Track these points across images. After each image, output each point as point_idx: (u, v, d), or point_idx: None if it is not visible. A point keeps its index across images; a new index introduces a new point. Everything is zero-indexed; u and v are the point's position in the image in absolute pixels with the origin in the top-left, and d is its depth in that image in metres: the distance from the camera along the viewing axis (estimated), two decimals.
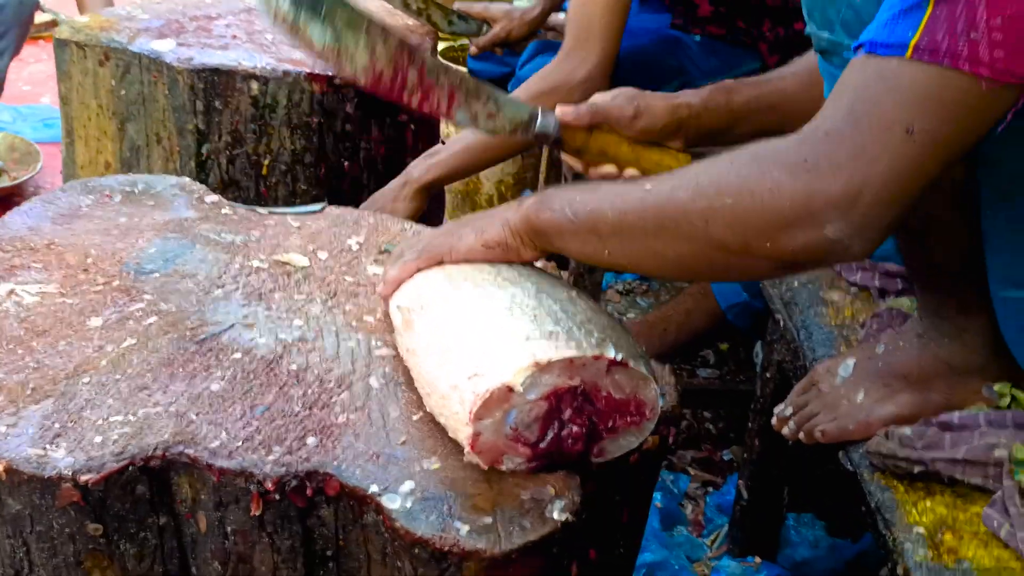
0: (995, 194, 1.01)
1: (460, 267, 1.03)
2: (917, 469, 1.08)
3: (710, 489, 2.06)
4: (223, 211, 1.34)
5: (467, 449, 0.87)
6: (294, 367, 1.01)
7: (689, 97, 1.29)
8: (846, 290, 1.44)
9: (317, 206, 1.39)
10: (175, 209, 1.33)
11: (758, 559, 1.73)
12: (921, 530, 1.01)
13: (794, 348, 1.44)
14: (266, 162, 1.81)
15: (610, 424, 0.90)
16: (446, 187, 2.14)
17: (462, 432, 0.87)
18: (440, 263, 1.04)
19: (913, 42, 0.80)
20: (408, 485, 0.86)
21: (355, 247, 1.29)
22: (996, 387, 1.16)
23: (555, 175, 2.41)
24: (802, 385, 1.29)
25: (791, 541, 1.83)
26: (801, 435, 1.25)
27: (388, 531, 0.85)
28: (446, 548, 0.82)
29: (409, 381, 1.00)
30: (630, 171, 1.28)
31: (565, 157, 1.33)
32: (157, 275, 1.16)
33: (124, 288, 1.13)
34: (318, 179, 1.85)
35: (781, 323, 1.48)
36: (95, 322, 1.07)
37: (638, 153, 1.25)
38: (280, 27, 1.05)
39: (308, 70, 1.76)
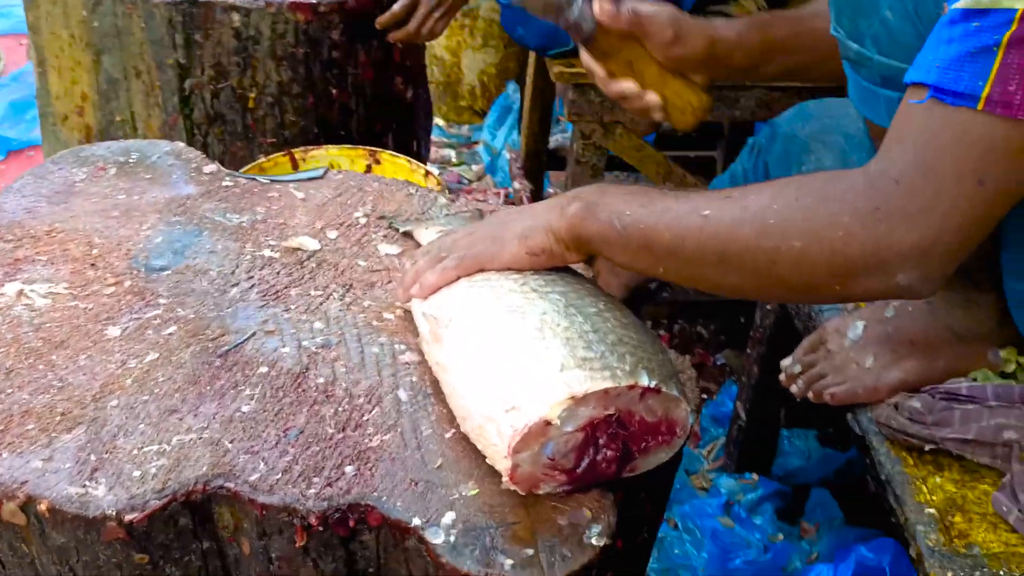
0: None
1: (485, 274, 1.02)
2: (928, 447, 1.11)
3: (704, 398, 2.12)
4: (223, 183, 1.31)
5: (505, 479, 0.89)
6: (321, 380, 1.01)
7: (726, 32, 1.23)
8: None
9: (319, 171, 1.36)
10: (174, 184, 1.29)
11: (755, 476, 1.80)
12: (932, 511, 1.06)
13: None
14: (252, 95, 1.75)
15: (643, 445, 0.92)
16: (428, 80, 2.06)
17: (500, 463, 0.89)
18: (481, 270, 1.02)
19: (984, 93, 0.78)
20: (449, 516, 0.88)
21: (363, 220, 1.27)
22: (1002, 353, 1.19)
23: (543, 77, 2.34)
24: (811, 342, 1.32)
25: (784, 451, 1.91)
26: (810, 395, 1.28)
27: (432, 562, 0.87)
28: None
29: (437, 392, 1.00)
30: (650, 97, 1.24)
31: (586, 60, 1.26)
32: (169, 272, 1.14)
33: (137, 290, 1.11)
34: (306, 109, 1.80)
35: None
36: (113, 331, 1.06)
37: (664, 79, 1.20)
38: None
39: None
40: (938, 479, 1.10)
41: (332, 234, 1.23)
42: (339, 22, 1.74)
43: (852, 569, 1.54)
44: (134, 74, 1.75)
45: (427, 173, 1.76)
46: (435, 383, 1.01)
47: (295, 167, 1.75)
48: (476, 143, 2.83)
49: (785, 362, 1.34)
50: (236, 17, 1.67)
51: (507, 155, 2.66)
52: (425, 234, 1.21)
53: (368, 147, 1.79)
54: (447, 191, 1.69)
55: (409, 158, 1.78)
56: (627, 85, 1.24)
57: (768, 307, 1.68)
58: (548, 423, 0.87)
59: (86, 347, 1.05)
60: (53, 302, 1.10)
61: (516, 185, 2.37)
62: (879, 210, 0.83)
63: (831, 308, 1.36)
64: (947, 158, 0.81)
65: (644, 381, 0.89)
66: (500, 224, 1.05)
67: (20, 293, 1.11)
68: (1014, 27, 0.77)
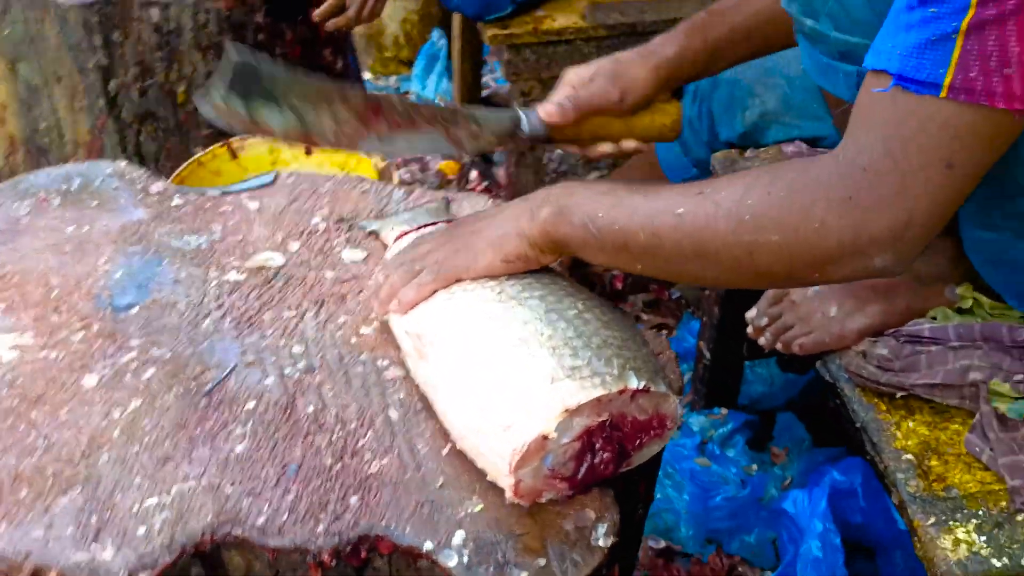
0: None
1: (461, 284, 1.03)
2: (900, 395, 1.16)
3: (663, 333, 2.16)
4: (174, 202, 1.28)
5: (509, 495, 0.91)
6: (310, 409, 1.01)
7: (666, 50, 1.24)
8: None
9: (268, 176, 1.33)
10: (123, 210, 1.26)
11: (724, 410, 1.85)
12: (909, 457, 1.10)
13: None
14: (180, 89, 1.70)
15: (637, 443, 0.94)
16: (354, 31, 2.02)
17: (502, 480, 0.91)
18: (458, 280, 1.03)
19: (947, 81, 0.80)
20: (459, 536, 0.90)
21: (322, 226, 1.26)
22: (958, 290, 1.23)
23: (470, 28, 2.30)
24: (774, 293, 1.35)
25: (747, 379, 1.96)
26: (778, 346, 1.32)
27: None
28: None
29: (427, 407, 1.01)
30: (627, 144, 1.27)
31: (560, 147, 1.30)
32: (136, 309, 1.12)
33: (107, 333, 1.10)
34: None
35: None
36: (90, 381, 1.05)
37: (630, 124, 1.24)
38: (234, 124, 1.00)
39: None
40: (911, 423, 1.15)
41: (294, 245, 1.22)
42: (261, 4, 1.69)
43: (827, 493, 1.61)
44: (55, 80, 1.69)
45: None
46: (423, 398, 1.02)
47: (233, 156, 1.72)
48: (406, 94, 2.79)
49: (750, 314, 1.37)
50: (155, 12, 1.61)
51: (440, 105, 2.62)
52: (391, 233, 1.20)
53: None
54: (393, 169, 1.68)
55: None
56: (603, 148, 1.28)
57: None
58: (545, 438, 0.89)
59: (65, 400, 1.03)
60: (21, 355, 1.08)
61: None
62: (851, 199, 0.85)
63: None
64: (914, 146, 0.83)
65: (633, 384, 0.91)
66: (471, 233, 1.05)
67: None
68: (971, 13, 0.78)
